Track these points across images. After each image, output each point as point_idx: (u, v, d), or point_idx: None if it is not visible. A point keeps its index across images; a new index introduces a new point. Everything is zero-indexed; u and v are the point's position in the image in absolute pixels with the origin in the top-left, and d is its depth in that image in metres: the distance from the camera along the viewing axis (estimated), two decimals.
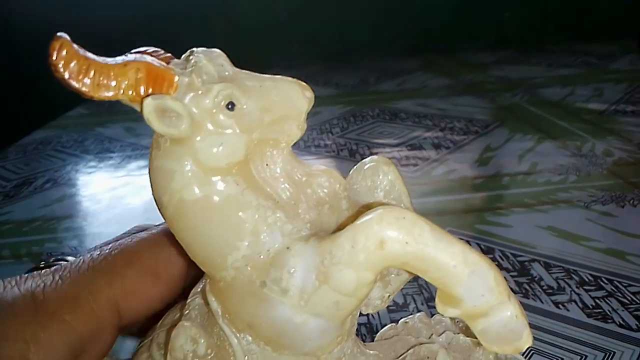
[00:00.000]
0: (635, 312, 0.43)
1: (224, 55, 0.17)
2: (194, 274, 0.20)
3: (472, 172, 0.73)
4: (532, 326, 0.43)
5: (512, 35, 1.70)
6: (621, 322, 0.42)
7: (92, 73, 0.14)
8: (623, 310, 0.43)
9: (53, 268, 0.19)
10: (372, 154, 0.81)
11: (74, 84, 0.14)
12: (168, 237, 0.20)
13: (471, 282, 0.16)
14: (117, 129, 1.02)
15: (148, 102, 0.15)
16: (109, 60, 0.15)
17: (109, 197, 0.73)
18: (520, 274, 0.49)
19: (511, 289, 0.49)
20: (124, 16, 1.57)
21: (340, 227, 0.16)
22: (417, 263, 0.16)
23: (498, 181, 0.69)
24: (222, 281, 0.17)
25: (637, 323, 0.41)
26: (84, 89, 0.14)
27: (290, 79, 0.17)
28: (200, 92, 0.15)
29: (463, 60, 1.46)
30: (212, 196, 0.16)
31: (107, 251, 0.19)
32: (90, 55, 0.15)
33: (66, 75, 0.14)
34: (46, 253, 0.58)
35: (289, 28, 1.59)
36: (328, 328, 0.17)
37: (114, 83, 0.15)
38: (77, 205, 0.73)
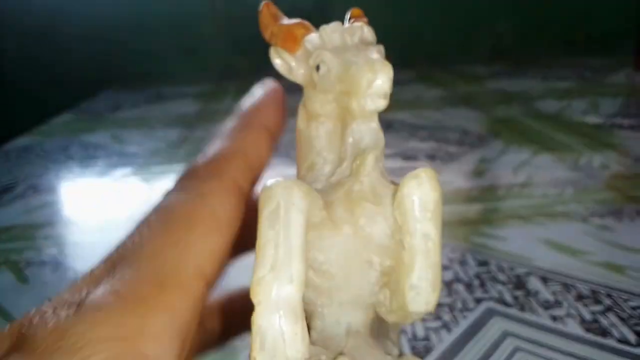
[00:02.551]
0: (634, 327, 0.41)
1: (350, 29, 0.20)
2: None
3: (467, 183, 0.71)
4: (528, 340, 0.41)
5: (507, 48, 1.70)
6: (620, 337, 0.40)
7: (267, 28, 0.20)
8: (622, 325, 0.41)
9: (107, 262, 0.16)
10: None
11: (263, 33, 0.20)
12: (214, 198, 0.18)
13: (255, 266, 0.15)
14: (103, 136, 1.01)
15: (271, 50, 0.20)
16: (282, 21, 0.20)
17: (92, 204, 0.71)
18: (517, 287, 0.47)
19: (506, 302, 0.47)
20: (110, 16, 1.55)
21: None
22: None
23: (493, 193, 0.67)
24: None
25: (637, 338, 0.40)
26: (266, 38, 0.20)
27: (375, 59, 0.18)
28: (308, 54, 0.19)
29: (458, 73, 1.45)
30: (301, 130, 0.20)
31: (154, 219, 0.17)
32: (277, 15, 0.20)
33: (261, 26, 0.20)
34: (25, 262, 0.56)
35: None
36: None
37: (272, 38, 0.20)
38: (58, 212, 0.71)
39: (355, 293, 0.18)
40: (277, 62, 0.20)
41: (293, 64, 0.19)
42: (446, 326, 0.42)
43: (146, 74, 1.55)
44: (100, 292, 0.15)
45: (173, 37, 1.57)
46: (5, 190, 0.76)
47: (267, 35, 0.20)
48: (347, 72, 0.18)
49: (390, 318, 0.18)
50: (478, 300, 0.45)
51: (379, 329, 0.19)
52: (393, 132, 0.95)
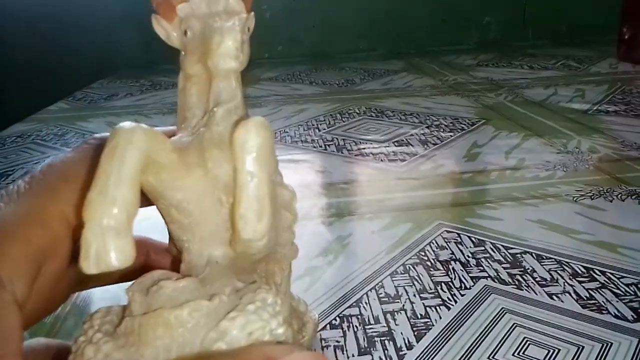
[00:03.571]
0: (630, 304, 0.42)
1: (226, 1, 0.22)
2: None
3: (460, 167, 0.72)
4: (526, 317, 0.42)
5: (493, 40, 1.71)
6: (616, 313, 0.41)
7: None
8: (617, 302, 0.43)
9: None
10: (359, 149, 0.80)
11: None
12: (94, 150, 0.21)
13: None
14: (99, 123, 1.00)
15: (152, 18, 0.22)
16: None
17: None
18: (513, 266, 0.48)
19: (503, 280, 0.48)
20: (104, 6, 1.53)
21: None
22: None
23: (486, 176, 0.69)
24: None
25: (633, 314, 0.41)
26: (154, 7, 0.22)
27: (225, 25, 0.20)
28: (181, 21, 0.22)
29: (446, 63, 1.46)
30: (180, 90, 0.22)
31: (38, 173, 0.20)
32: None
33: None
34: None
35: (273, 29, 1.58)
36: None
37: (157, 7, 0.22)
38: None
39: (212, 229, 0.20)
40: (158, 29, 0.22)
41: (170, 30, 0.22)
42: (445, 304, 0.43)
43: (140, 64, 1.54)
44: None
45: None
46: (1, 175, 0.75)
47: (154, 4, 0.22)
48: (203, 36, 0.21)
49: (238, 248, 0.20)
50: (475, 279, 0.46)
51: (263, 268, 0.22)
52: (385, 118, 0.96)
